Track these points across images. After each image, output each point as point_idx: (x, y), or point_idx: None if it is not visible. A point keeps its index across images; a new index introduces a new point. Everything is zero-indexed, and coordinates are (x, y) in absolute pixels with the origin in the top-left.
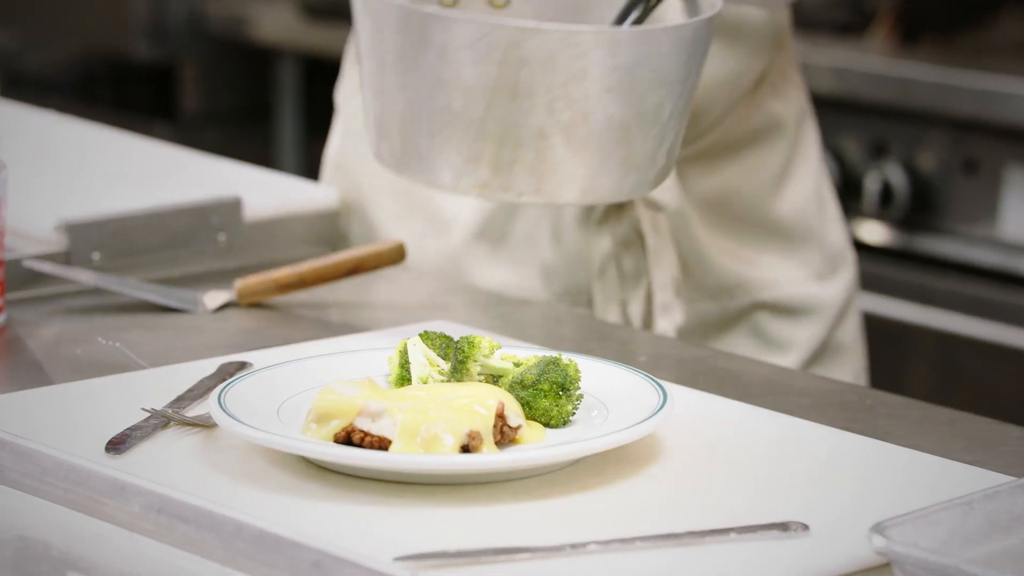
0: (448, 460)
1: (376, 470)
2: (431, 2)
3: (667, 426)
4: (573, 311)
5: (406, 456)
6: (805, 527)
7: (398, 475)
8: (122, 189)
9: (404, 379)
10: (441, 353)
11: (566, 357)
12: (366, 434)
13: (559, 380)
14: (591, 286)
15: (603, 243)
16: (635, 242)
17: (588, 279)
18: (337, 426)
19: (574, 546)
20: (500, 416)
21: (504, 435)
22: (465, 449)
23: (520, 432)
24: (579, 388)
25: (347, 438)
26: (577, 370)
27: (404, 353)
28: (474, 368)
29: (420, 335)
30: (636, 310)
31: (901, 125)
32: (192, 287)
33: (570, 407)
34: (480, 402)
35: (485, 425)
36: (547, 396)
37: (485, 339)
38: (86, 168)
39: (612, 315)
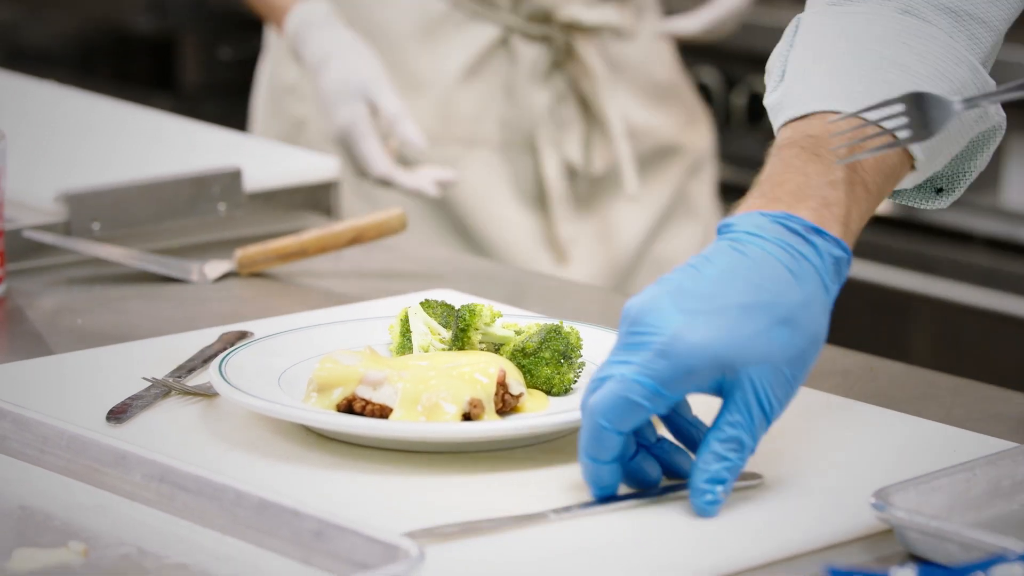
0: (450, 428)
1: (377, 438)
2: None
3: None
4: (576, 282)
5: (407, 424)
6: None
7: (399, 443)
8: (122, 160)
9: (405, 348)
10: (442, 322)
11: (567, 325)
12: (367, 403)
13: (561, 348)
14: (535, 133)
15: (544, 97)
16: (569, 96)
17: (532, 127)
18: (339, 395)
19: (583, 506)
20: (502, 384)
21: (506, 403)
22: (468, 417)
23: (522, 400)
24: (581, 356)
25: (348, 407)
26: (579, 338)
27: (405, 322)
28: (475, 336)
29: (421, 303)
30: (573, 152)
31: None
32: (192, 257)
33: (572, 375)
34: (481, 370)
35: (486, 393)
36: (549, 364)
37: (486, 307)
38: (86, 139)
39: (552, 160)
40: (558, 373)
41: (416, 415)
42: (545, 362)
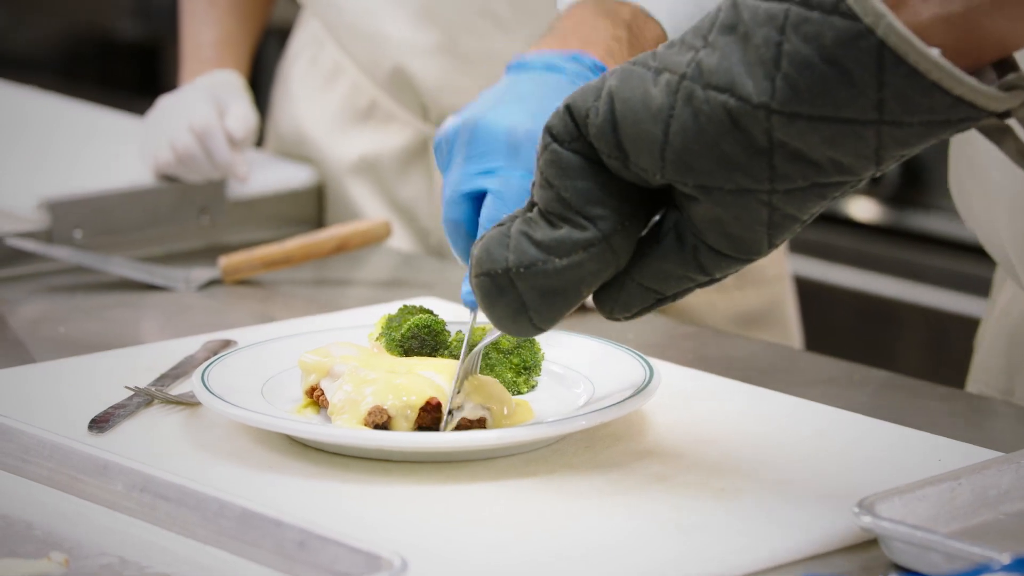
0: (432, 439)
1: (358, 448)
2: None
3: (653, 403)
4: None
5: (388, 435)
6: None
7: (381, 453)
8: (105, 167)
9: (393, 351)
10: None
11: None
12: (322, 394)
13: (529, 360)
14: None
15: None
16: None
17: None
18: (308, 382)
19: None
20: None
21: (459, 424)
22: (382, 426)
23: (487, 423)
24: (540, 374)
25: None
26: (542, 357)
27: (386, 327)
28: (448, 335)
29: (400, 309)
30: None
31: None
32: (176, 265)
33: (527, 389)
34: (422, 381)
35: (405, 404)
36: (514, 369)
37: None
38: (69, 146)
39: None
40: (517, 381)
41: (333, 414)
42: (512, 366)
